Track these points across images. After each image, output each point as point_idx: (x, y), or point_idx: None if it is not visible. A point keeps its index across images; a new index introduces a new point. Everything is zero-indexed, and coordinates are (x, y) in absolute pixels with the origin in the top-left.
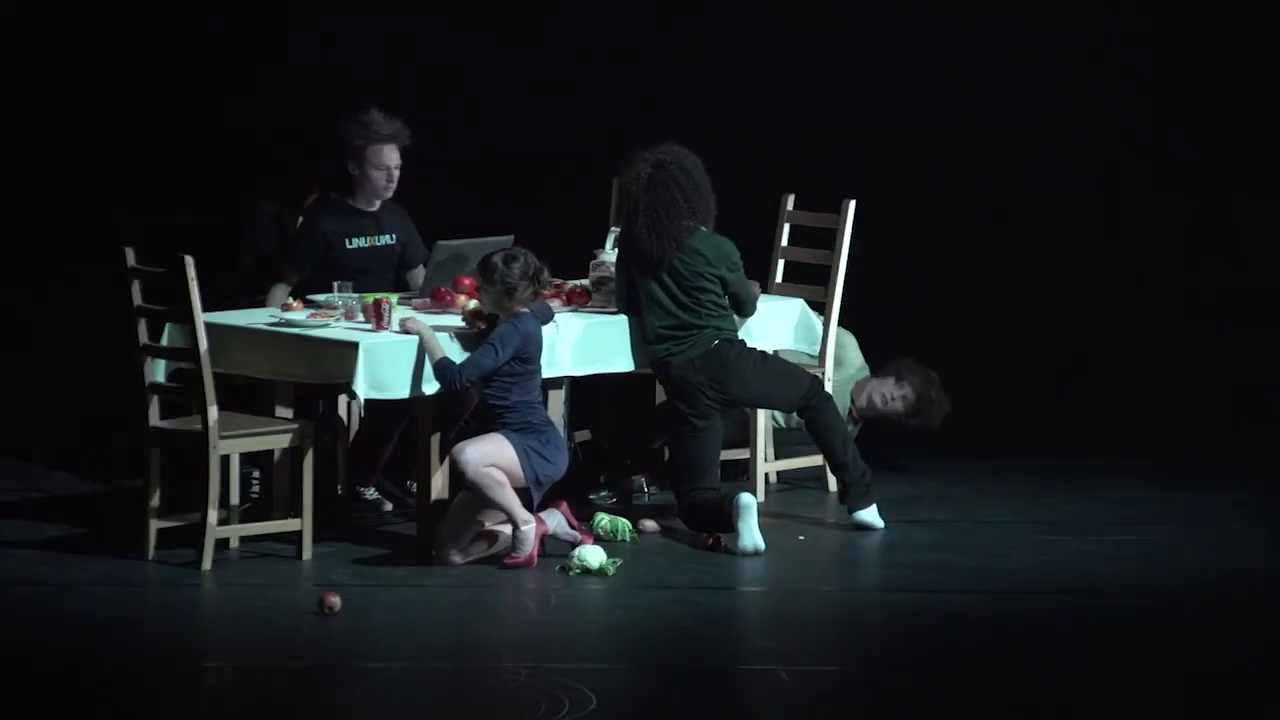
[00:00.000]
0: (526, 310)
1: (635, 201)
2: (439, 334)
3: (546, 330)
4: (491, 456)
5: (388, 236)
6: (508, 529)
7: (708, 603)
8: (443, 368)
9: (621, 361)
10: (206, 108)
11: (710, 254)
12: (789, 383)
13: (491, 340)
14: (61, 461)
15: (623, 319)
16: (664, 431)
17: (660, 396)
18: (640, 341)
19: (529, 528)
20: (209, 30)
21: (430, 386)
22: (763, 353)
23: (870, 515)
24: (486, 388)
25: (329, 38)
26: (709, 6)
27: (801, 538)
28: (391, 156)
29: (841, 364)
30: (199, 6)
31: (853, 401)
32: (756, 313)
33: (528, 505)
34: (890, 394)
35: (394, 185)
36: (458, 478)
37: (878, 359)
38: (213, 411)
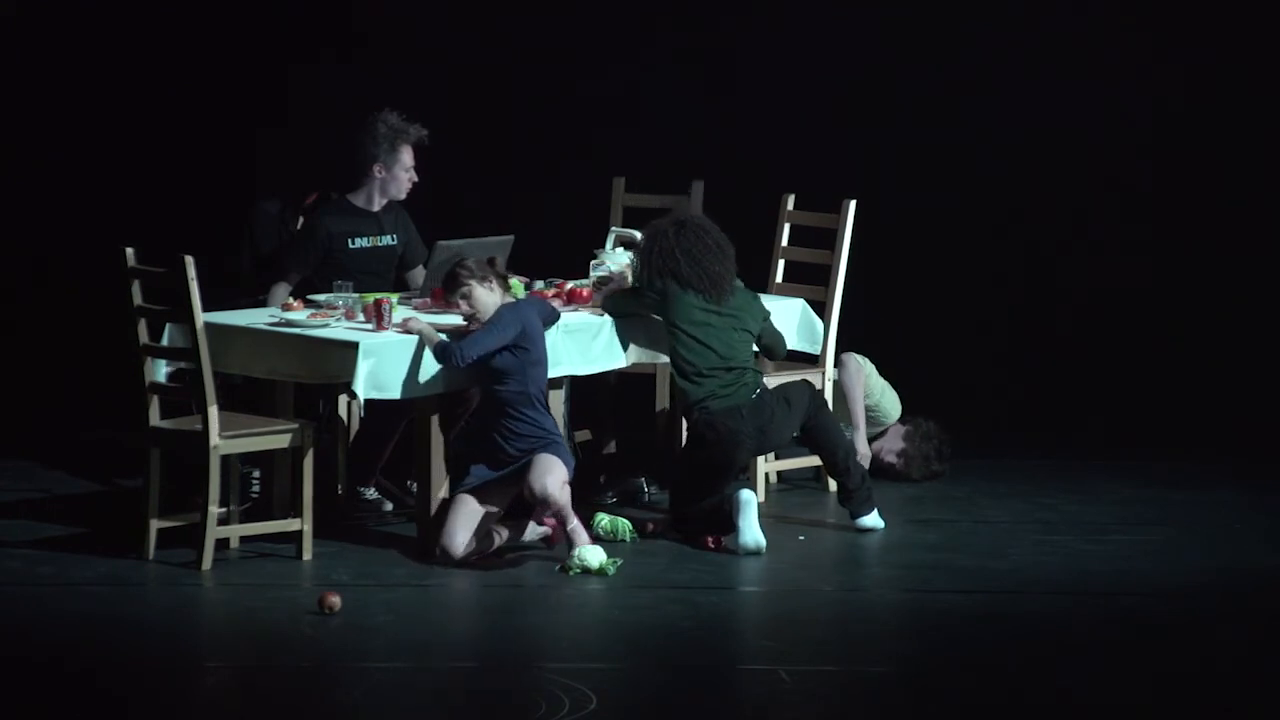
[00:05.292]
0: (513, 298)
1: (671, 250)
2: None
3: (548, 331)
4: (562, 478)
5: (390, 237)
6: (504, 531)
7: (708, 603)
8: (441, 349)
9: (621, 360)
10: (207, 108)
11: (752, 300)
12: (800, 409)
13: (491, 321)
14: (61, 461)
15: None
16: (683, 475)
17: (660, 400)
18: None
19: (575, 523)
20: (209, 30)
21: (434, 385)
22: (783, 395)
23: (872, 520)
24: (497, 384)
25: (329, 38)
26: (709, 6)
27: (802, 538)
28: (413, 157)
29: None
30: (199, 6)
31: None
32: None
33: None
34: (891, 450)
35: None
36: (538, 499)
37: (888, 373)
38: (213, 411)
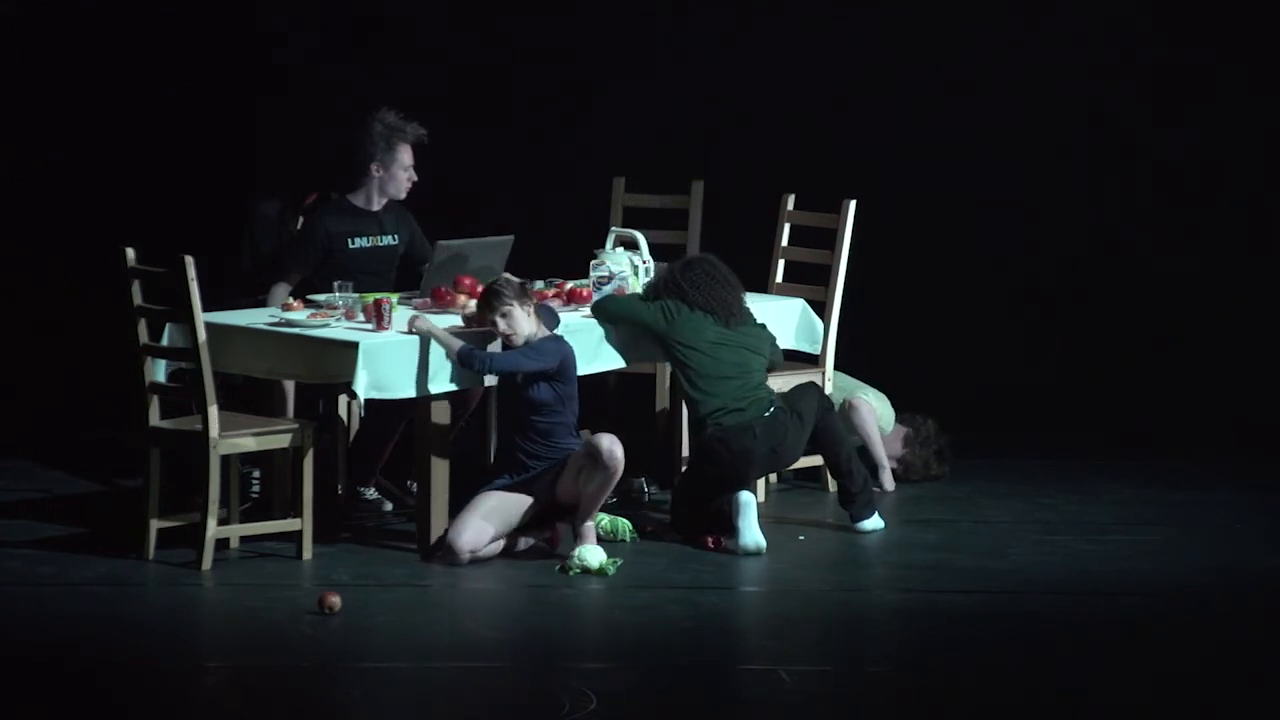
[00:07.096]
0: (546, 330)
1: (678, 282)
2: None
3: None
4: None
5: (390, 236)
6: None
7: (708, 603)
8: (465, 354)
9: (621, 360)
10: (207, 107)
11: (762, 329)
12: (810, 419)
13: (534, 347)
14: (61, 461)
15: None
16: (689, 484)
17: (660, 400)
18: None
19: (591, 523)
20: (209, 30)
21: (434, 386)
22: (795, 411)
23: (873, 523)
24: (536, 414)
25: (328, 37)
26: (709, 6)
27: (802, 538)
28: (412, 156)
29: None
30: (199, 6)
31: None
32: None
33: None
34: (891, 455)
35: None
36: (602, 462)
37: (889, 373)
38: (213, 411)
